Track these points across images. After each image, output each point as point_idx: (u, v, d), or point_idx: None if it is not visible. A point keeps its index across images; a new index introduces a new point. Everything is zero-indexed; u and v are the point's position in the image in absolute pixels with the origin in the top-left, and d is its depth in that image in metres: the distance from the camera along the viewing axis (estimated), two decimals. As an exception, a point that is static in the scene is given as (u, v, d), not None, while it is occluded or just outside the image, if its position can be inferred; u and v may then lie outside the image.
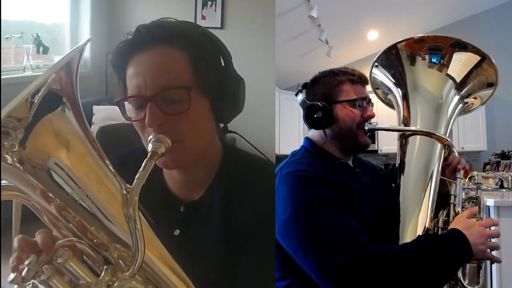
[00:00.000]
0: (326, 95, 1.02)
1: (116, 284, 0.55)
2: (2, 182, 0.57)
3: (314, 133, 1.06)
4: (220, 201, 0.78)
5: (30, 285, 0.55)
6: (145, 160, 0.59)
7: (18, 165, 0.51)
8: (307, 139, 1.08)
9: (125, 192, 0.57)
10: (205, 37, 0.76)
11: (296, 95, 1.07)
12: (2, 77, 2.90)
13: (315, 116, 1.00)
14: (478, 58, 1.06)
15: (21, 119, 0.48)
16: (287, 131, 4.51)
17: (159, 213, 0.74)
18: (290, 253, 0.89)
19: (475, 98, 1.12)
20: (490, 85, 1.10)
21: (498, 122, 4.53)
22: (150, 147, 0.63)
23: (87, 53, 4.03)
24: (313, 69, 1.13)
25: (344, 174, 1.00)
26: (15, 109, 0.47)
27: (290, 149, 1.09)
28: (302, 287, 0.92)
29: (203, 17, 4.06)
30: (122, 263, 0.58)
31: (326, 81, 1.04)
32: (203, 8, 4.05)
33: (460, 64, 1.07)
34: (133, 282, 0.56)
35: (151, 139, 0.65)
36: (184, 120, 0.71)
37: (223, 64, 0.77)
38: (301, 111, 1.03)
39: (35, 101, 0.49)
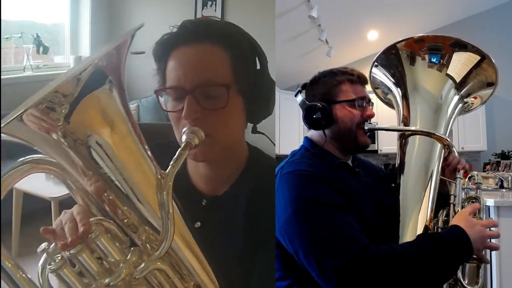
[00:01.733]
0: (326, 95, 1.02)
1: (143, 265, 0.56)
2: (40, 155, 0.59)
3: (313, 133, 1.06)
4: (244, 198, 0.79)
5: (60, 257, 0.55)
6: (179, 149, 0.60)
7: (62, 139, 0.52)
8: (307, 139, 1.08)
9: (159, 176, 0.58)
10: (245, 39, 0.79)
11: (296, 95, 1.07)
12: (2, 77, 2.91)
13: (314, 116, 1.00)
14: (478, 58, 1.06)
15: (67, 95, 0.49)
16: (287, 131, 4.51)
17: (181, 205, 0.76)
18: (290, 253, 0.89)
19: (475, 97, 1.13)
20: (490, 84, 1.10)
21: (498, 122, 4.53)
22: (184, 137, 0.65)
23: (87, 53, 4.02)
24: (313, 69, 1.13)
25: (344, 173, 1.00)
26: (62, 85, 0.49)
27: (290, 149, 1.09)
28: (303, 287, 0.92)
29: (203, 17, 4.06)
30: (148, 246, 0.60)
31: (325, 81, 1.04)
32: (203, 8, 4.05)
33: (460, 64, 1.07)
34: (158, 263, 0.57)
35: (185, 130, 0.66)
36: (219, 116, 0.74)
37: (259, 67, 0.80)
38: (301, 111, 1.03)
39: (82, 78, 0.50)
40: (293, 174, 0.94)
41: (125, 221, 0.60)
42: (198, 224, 0.80)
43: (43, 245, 0.57)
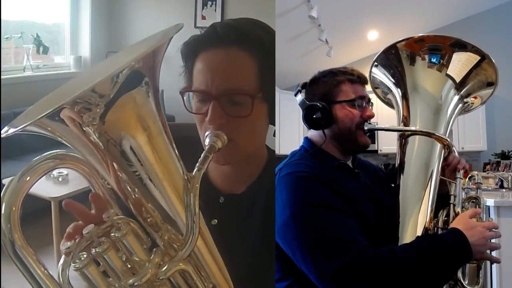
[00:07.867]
0: (325, 95, 1.01)
1: (167, 266, 0.56)
2: (63, 151, 0.59)
3: (313, 133, 1.06)
4: (261, 199, 0.82)
5: (85, 255, 0.55)
6: (204, 152, 0.62)
7: (97, 139, 0.52)
8: (307, 139, 1.07)
9: (186, 178, 0.59)
10: (271, 41, 0.78)
11: (295, 95, 1.07)
12: (2, 77, 2.91)
13: (314, 116, 1.00)
14: (477, 57, 1.06)
15: (104, 95, 0.50)
16: (287, 131, 4.51)
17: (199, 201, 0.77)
18: (289, 254, 0.89)
19: (475, 97, 1.12)
20: (490, 84, 1.10)
21: (498, 122, 4.53)
22: (207, 140, 0.66)
23: (87, 53, 4.03)
24: (313, 69, 1.12)
25: (343, 174, 0.99)
26: (99, 84, 0.49)
27: (290, 149, 1.09)
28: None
29: (203, 17, 4.06)
30: (170, 247, 0.60)
31: (325, 81, 1.03)
32: (203, 8, 4.05)
33: (460, 64, 1.07)
34: (182, 264, 0.57)
35: (208, 134, 0.68)
36: (243, 123, 0.75)
37: None
38: (301, 111, 1.03)
39: (119, 80, 0.50)
40: (292, 175, 0.93)
41: (149, 220, 0.60)
42: (215, 221, 0.82)
43: (68, 243, 0.56)
